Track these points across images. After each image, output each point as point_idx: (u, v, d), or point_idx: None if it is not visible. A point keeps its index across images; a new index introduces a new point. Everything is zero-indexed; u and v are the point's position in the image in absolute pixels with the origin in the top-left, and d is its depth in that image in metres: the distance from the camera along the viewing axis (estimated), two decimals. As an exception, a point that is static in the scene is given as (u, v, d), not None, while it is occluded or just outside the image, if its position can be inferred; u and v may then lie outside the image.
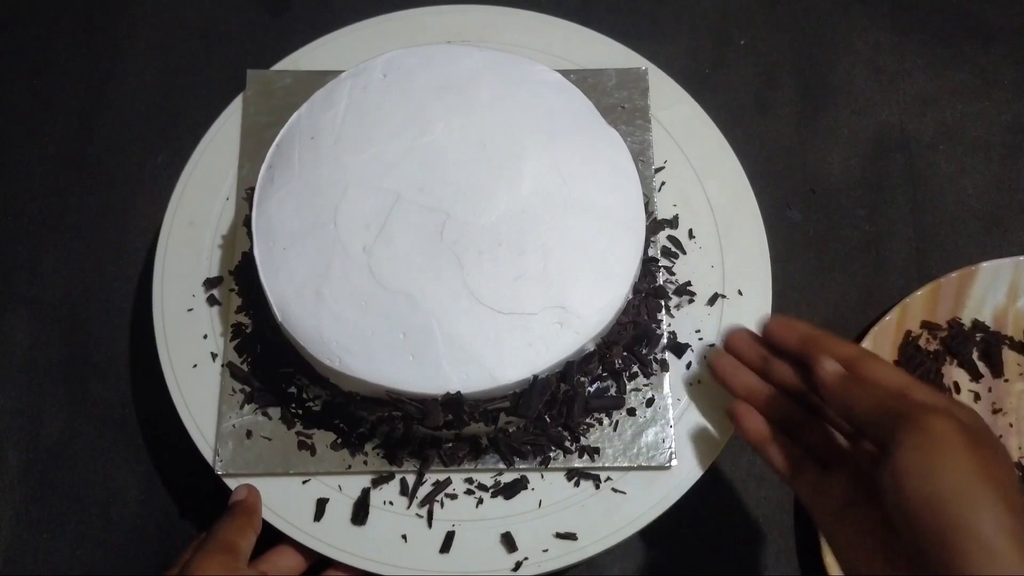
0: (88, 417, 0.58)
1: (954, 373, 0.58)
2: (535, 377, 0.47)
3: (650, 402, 0.52)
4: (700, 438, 0.52)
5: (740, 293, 0.55)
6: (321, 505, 0.51)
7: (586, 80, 0.59)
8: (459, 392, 0.46)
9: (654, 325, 0.53)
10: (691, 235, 0.56)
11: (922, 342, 0.58)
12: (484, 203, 0.49)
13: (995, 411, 0.57)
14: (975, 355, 0.59)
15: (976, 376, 0.58)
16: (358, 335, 0.47)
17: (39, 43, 0.68)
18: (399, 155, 0.50)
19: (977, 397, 0.58)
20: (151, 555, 0.56)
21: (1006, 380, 0.58)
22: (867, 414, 0.41)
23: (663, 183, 0.58)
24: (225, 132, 0.59)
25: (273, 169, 0.52)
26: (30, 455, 0.58)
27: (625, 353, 0.52)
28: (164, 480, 0.57)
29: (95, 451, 0.58)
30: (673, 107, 0.60)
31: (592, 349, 0.49)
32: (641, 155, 0.57)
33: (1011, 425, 0.57)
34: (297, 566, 0.51)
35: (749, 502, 0.57)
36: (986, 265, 0.59)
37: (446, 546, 0.50)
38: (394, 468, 0.51)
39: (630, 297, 0.50)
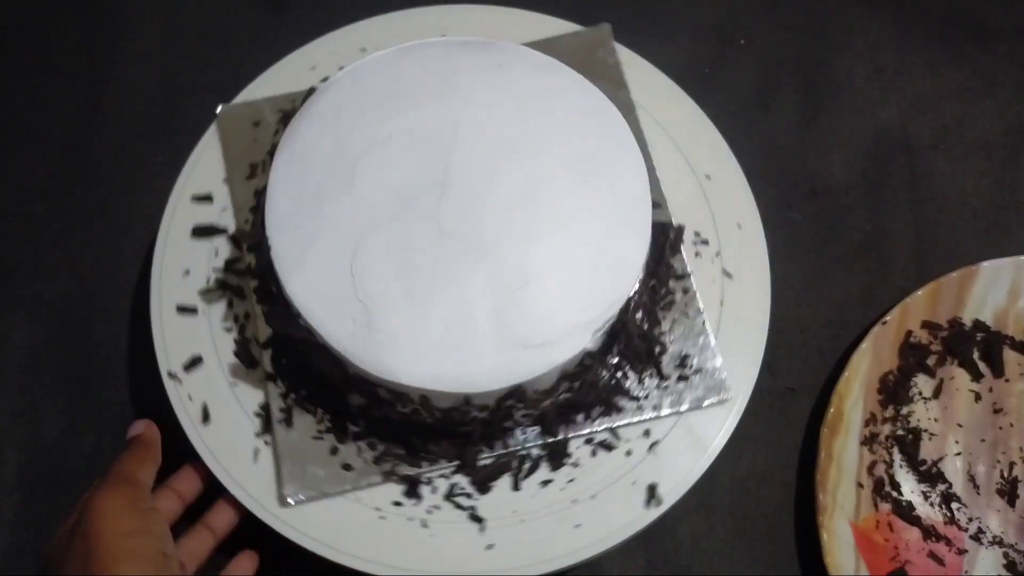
0: (88, 417, 0.58)
1: (955, 373, 0.58)
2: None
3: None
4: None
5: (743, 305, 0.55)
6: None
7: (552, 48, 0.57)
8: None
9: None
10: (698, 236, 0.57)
11: (923, 342, 0.58)
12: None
13: (996, 411, 0.57)
14: (976, 355, 0.58)
15: (977, 376, 0.58)
16: (409, 340, 0.46)
17: (38, 43, 0.68)
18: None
19: (978, 397, 0.58)
20: (151, 555, 0.56)
21: (1007, 380, 0.58)
22: None
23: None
24: (225, 132, 0.59)
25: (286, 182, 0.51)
26: (30, 455, 0.58)
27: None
28: (164, 480, 0.57)
29: (95, 451, 0.58)
30: (662, 99, 0.59)
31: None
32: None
33: (1012, 425, 0.57)
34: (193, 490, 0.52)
35: (749, 502, 0.57)
36: (987, 265, 0.59)
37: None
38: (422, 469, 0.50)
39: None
